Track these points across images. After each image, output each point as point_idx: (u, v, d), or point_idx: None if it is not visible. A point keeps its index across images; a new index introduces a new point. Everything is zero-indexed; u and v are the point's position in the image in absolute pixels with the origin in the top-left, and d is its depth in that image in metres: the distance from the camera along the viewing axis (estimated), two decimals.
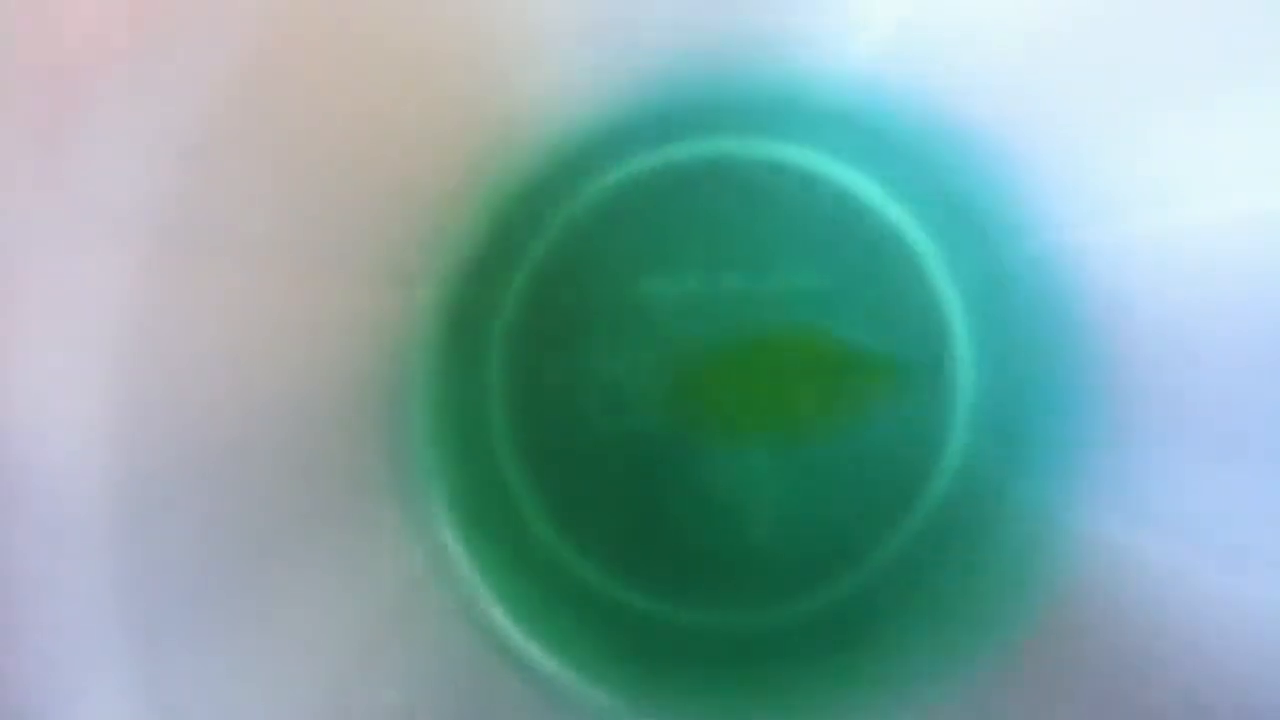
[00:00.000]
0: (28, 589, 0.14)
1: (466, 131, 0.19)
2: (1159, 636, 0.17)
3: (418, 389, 0.21)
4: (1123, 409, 0.19)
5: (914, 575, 0.22)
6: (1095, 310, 0.19)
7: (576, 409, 0.22)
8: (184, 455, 0.16)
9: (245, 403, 0.17)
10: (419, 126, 0.18)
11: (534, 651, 0.20)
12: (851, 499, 0.22)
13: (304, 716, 0.17)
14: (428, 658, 0.19)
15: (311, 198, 0.17)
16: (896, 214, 0.22)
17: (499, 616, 0.20)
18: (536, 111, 0.20)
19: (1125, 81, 0.16)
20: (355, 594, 0.18)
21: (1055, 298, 0.20)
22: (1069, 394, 0.20)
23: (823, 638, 0.22)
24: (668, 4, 0.18)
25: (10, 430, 0.14)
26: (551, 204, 0.22)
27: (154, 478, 0.15)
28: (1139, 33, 0.16)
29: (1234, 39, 0.15)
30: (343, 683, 0.17)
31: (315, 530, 0.18)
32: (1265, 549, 0.16)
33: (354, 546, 0.19)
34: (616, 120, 0.21)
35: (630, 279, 0.22)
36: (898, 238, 0.22)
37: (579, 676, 0.20)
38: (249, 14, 0.14)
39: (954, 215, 0.22)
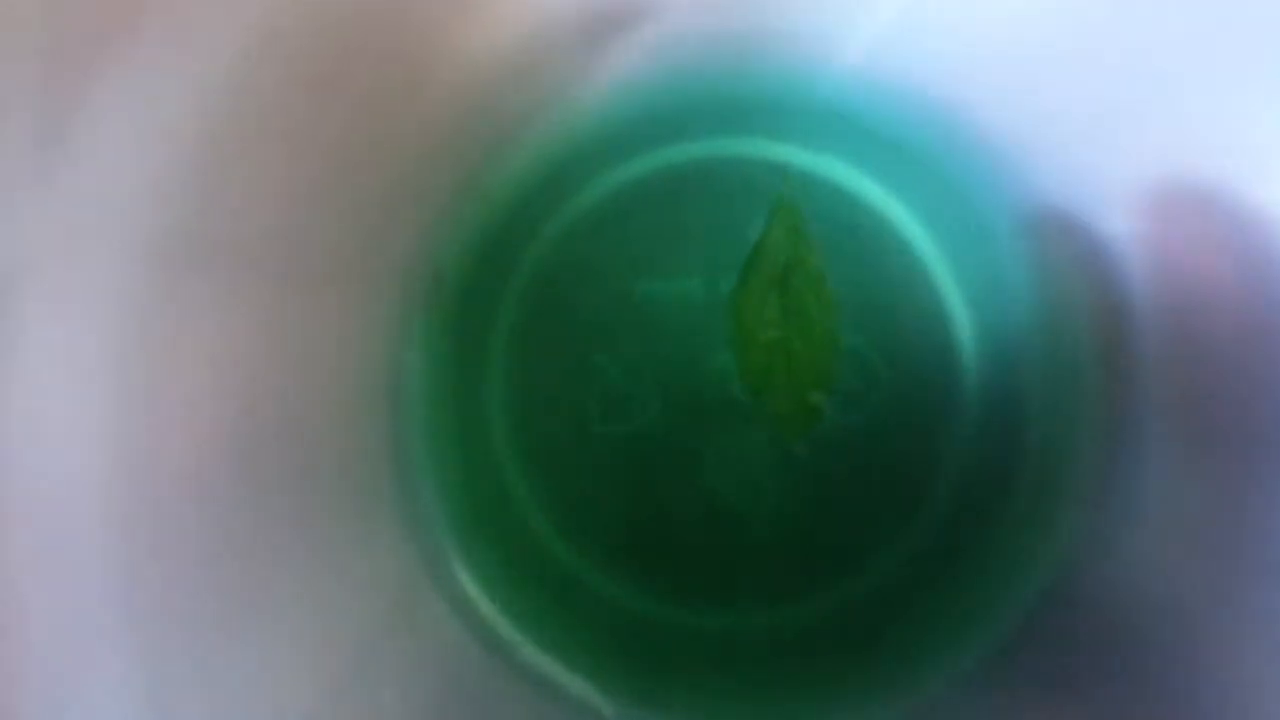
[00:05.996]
0: (27, 591, 0.14)
1: (466, 133, 0.19)
2: (1155, 635, 0.17)
3: (417, 390, 0.21)
4: (1121, 408, 0.18)
5: (915, 577, 0.22)
6: (1095, 309, 0.19)
7: (576, 409, 0.22)
8: (183, 458, 0.16)
9: (244, 405, 0.17)
10: (418, 128, 0.18)
11: (533, 651, 0.20)
12: (853, 501, 0.22)
13: (303, 716, 0.17)
14: (426, 658, 0.19)
15: (309, 201, 0.17)
16: (897, 213, 0.22)
17: (498, 617, 0.20)
18: (536, 113, 0.20)
19: (1123, 78, 0.16)
20: (354, 594, 0.18)
21: (1055, 296, 0.20)
22: (1069, 392, 0.20)
23: (823, 639, 0.22)
24: (666, 6, 0.18)
25: (9, 434, 0.14)
26: (551, 205, 0.22)
27: (153, 480, 0.15)
28: (1136, 30, 0.16)
29: (1229, 37, 0.15)
30: (341, 682, 0.17)
31: (315, 531, 0.18)
32: (1261, 550, 0.16)
33: (353, 547, 0.19)
34: (616, 121, 0.21)
35: (629, 280, 0.22)
36: (898, 237, 0.22)
37: (578, 677, 0.20)
38: (245, 18, 0.14)
39: (953, 214, 0.22)
